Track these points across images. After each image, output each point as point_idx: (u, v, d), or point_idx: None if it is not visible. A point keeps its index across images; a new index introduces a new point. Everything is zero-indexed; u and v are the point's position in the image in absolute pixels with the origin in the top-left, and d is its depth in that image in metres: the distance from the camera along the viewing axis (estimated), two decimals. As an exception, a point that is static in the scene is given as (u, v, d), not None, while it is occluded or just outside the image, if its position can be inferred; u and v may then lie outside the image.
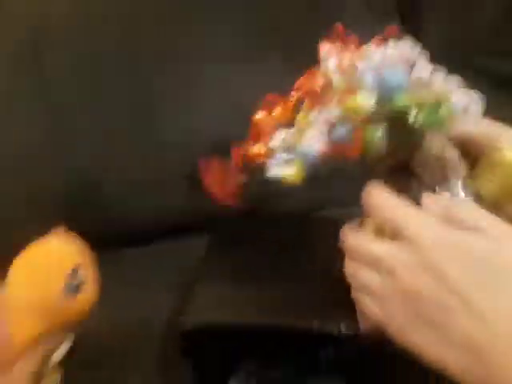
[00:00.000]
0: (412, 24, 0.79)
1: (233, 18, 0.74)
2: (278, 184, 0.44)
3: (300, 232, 0.60)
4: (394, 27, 0.46)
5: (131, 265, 0.70)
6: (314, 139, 0.43)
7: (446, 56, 0.82)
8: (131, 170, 0.74)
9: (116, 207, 0.74)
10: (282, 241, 0.59)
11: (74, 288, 0.46)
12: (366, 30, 0.48)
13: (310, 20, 0.75)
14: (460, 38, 0.82)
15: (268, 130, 0.47)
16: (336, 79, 0.44)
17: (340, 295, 0.45)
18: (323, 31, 0.61)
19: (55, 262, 0.48)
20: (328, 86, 0.45)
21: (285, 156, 0.44)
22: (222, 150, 0.70)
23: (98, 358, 0.53)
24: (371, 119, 0.43)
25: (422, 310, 0.36)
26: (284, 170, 0.44)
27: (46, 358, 0.47)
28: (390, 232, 0.40)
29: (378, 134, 0.43)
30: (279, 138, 0.46)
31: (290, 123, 0.47)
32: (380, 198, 0.41)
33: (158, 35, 0.74)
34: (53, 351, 0.47)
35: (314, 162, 0.44)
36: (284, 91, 0.71)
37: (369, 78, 0.43)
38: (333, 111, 0.43)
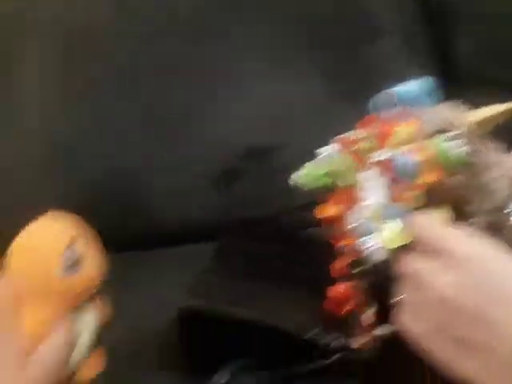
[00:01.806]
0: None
1: (258, 31, 0.76)
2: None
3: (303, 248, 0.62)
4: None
5: (146, 266, 0.72)
6: (375, 194, 0.44)
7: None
8: (158, 176, 0.77)
9: (140, 210, 0.78)
10: (288, 253, 0.61)
11: (72, 264, 0.44)
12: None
13: (341, 32, 0.77)
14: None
15: (339, 218, 0.46)
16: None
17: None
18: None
19: (48, 242, 0.45)
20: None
21: (372, 224, 0.44)
22: (247, 160, 0.75)
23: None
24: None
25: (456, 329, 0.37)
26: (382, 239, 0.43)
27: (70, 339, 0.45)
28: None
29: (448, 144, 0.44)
30: (353, 216, 0.45)
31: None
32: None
33: (184, 45, 0.76)
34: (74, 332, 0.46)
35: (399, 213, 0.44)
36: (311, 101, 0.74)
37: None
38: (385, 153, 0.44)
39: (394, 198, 0.44)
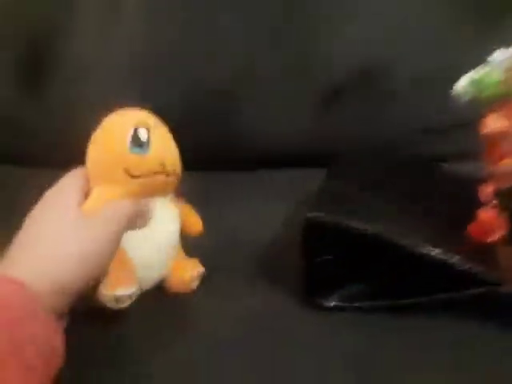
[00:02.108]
0: None
1: None
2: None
3: (424, 175, 0.59)
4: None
5: (246, 187, 0.70)
6: None
7: None
8: (267, 88, 0.74)
9: (244, 126, 0.75)
10: (405, 180, 0.57)
11: (139, 144, 0.45)
12: None
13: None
14: None
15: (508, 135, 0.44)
16: None
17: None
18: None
19: (117, 125, 0.47)
20: None
21: None
22: (363, 76, 0.71)
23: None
24: None
25: None
26: None
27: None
28: None
29: None
30: None
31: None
32: None
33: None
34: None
35: None
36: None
37: None
38: None
39: None
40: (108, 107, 0.48)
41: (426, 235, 0.46)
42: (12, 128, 0.79)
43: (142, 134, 0.46)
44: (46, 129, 0.78)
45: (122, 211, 0.43)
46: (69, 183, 0.45)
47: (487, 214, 0.47)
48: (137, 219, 0.45)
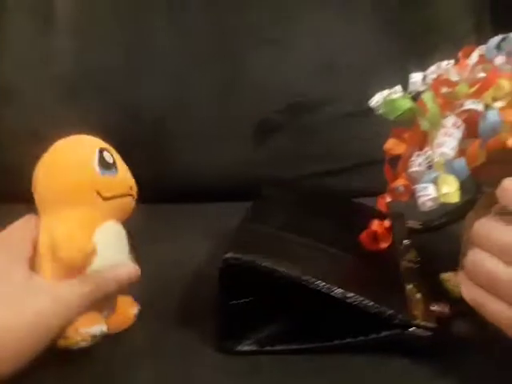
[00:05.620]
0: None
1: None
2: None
3: (343, 213, 0.60)
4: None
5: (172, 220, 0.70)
6: (446, 144, 0.42)
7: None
8: (188, 122, 0.74)
9: (173, 156, 0.75)
10: (323, 213, 0.59)
11: (107, 167, 0.45)
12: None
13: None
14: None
15: (404, 157, 0.46)
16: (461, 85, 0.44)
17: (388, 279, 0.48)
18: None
19: (80, 148, 0.46)
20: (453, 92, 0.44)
21: (432, 175, 0.43)
22: (287, 114, 0.71)
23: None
24: None
25: None
26: (437, 192, 0.42)
27: None
28: None
29: None
30: (417, 161, 0.44)
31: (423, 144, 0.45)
32: None
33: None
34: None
35: (462, 169, 0.42)
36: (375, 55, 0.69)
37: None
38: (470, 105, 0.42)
39: (461, 152, 0.43)
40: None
41: (341, 278, 0.46)
42: None
43: (108, 157, 0.46)
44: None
45: (78, 291, 0.41)
46: (19, 237, 0.43)
47: (378, 225, 0.50)
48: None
